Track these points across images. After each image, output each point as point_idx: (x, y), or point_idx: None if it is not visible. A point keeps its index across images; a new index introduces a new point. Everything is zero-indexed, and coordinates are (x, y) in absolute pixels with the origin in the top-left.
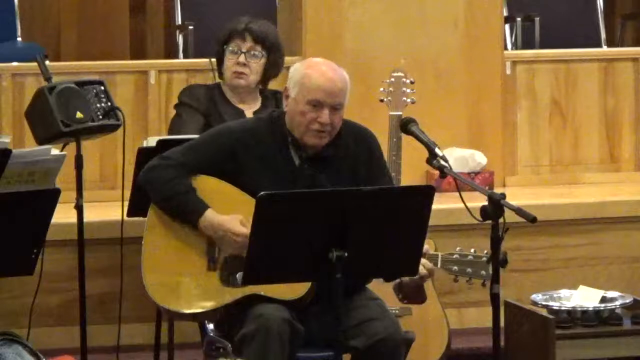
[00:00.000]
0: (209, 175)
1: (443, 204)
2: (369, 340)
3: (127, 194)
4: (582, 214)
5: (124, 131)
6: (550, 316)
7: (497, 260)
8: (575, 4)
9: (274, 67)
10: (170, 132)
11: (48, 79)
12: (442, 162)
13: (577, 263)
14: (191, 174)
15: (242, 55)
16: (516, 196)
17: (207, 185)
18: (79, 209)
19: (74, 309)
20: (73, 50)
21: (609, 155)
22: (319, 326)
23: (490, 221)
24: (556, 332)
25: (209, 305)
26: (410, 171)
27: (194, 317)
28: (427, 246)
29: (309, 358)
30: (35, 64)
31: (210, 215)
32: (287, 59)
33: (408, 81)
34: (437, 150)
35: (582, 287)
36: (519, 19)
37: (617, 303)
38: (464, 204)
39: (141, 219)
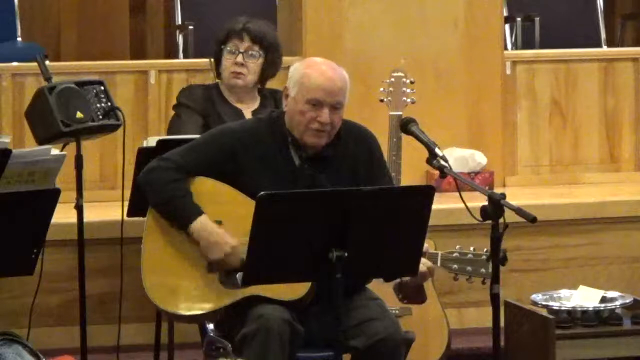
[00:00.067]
0: (208, 176)
1: (443, 204)
2: (369, 340)
3: (127, 194)
4: (582, 214)
5: (124, 131)
6: (550, 316)
7: (497, 260)
8: (575, 4)
9: (271, 66)
10: (169, 133)
11: (48, 79)
12: (442, 162)
13: (577, 263)
14: (190, 176)
15: (240, 55)
16: (516, 196)
17: (205, 187)
18: (79, 209)
19: (74, 309)
20: (73, 50)
21: (609, 155)
22: (319, 326)
23: (490, 221)
24: (556, 332)
25: (208, 307)
26: (410, 171)
27: (194, 319)
28: (427, 245)
29: (309, 358)
30: (35, 64)
31: (204, 220)
32: (287, 59)
33: (408, 81)
34: (437, 150)
35: (582, 287)
36: (519, 19)
37: (617, 303)
38: (464, 204)
39: (141, 219)
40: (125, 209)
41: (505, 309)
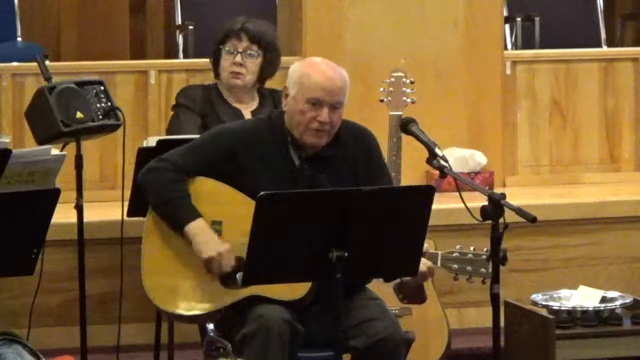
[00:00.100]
0: (208, 176)
1: (443, 204)
2: (369, 340)
3: (127, 194)
4: (582, 214)
5: (124, 131)
6: (550, 316)
7: (497, 260)
8: (575, 4)
9: (270, 66)
10: (168, 133)
11: (48, 79)
12: (442, 162)
13: (577, 263)
14: (190, 176)
15: (239, 55)
16: (516, 196)
17: (205, 187)
18: (79, 209)
19: (74, 309)
20: (73, 50)
21: (609, 155)
22: (319, 326)
23: (490, 221)
24: (556, 332)
25: (208, 307)
26: (410, 171)
27: (194, 319)
28: (427, 245)
29: (309, 358)
30: (35, 64)
31: (200, 223)
32: (287, 59)
33: (408, 81)
34: (437, 150)
35: (582, 287)
36: (519, 19)
37: (617, 303)
38: (464, 204)
39: (141, 219)
40: (125, 209)
41: (505, 309)
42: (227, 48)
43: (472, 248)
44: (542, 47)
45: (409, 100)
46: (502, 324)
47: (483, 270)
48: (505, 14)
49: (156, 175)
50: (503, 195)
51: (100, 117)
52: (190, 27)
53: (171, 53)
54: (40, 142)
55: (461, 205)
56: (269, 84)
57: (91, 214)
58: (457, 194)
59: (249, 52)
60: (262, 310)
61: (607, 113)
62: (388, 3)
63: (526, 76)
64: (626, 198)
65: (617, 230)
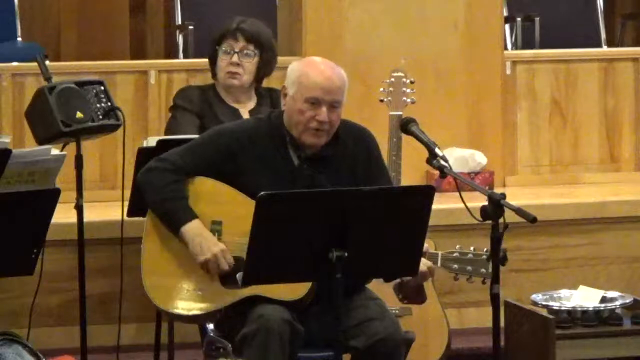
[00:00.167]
0: (207, 176)
1: (443, 204)
2: (369, 340)
3: (127, 194)
4: (582, 214)
5: (124, 131)
6: (550, 316)
7: (497, 260)
8: (575, 4)
9: (267, 65)
10: (166, 135)
11: (48, 79)
12: (442, 162)
13: (577, 263)
14: (189, 176)
15: (235, 55)
16: (516, 196)
17: (205, 187)
18: (79, 209)
19: (74, 309)
20: (73, 50)
21: (609, 155)
22: (319, 326)
23: (490, 221)
24: (556, 332)
25: (208, 307)
26: (410, 171)
27: (194, 319)
28: (427, 245)
29: (309, 358)
30: (35, 64)
31: (196, 224)
32: (287, 59)
33: (408, 81)
34: (437, 150)
35: (582, 287)
36: (519, 19)
37: (617, 303)
38: (464, 204)
39: (141, 219)
40: (125, 209)
41: (505, 309)
42: (223, 48)
43: (472, 248)
44: (542, 47)
45: (409, 100)
46: (502, 324)
47: (483, 270)
48: (505, 14)
49: (155, 175)
50: (503, 195)
51: (100, 117)
52: (190, 27)
53: (171, 53)
54: (40, 142)
55: (461, 205)
56: (269, 83)
57: (91, 214)
58: (457, 194)
59: (245, 51)
60: (262, 310)
61: (607, 113)
62: (388, 3)
63: (526, 76)
64: (626, 198)
65: (617, 230)
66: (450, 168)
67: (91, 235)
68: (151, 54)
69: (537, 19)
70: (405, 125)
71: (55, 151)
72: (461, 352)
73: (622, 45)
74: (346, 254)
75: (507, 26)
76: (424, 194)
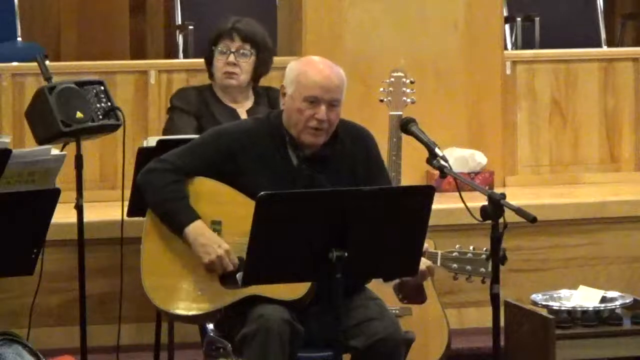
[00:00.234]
0: (207, 177)
1: (443, 204)
2: (369, 340)
3: (127, 194)
4: (582, 214)
5: (124, 131)
6: (550, 316)
7: (497, 260)
8: (575, 4)
9: (263, 64)
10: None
11: (48, 79)
12: (442, 162)
13: (577, 263)
14: (188, 177)
15: (232, 55)
16: (516, 196)
17: (204, 187)
18: (79, 209)
19: (74, 309)
20: (73, 50)
21: (609, 155)
22: (319, 326)
23: (490, 221)
24: (556, 332)
25: (208, 307)
26: (410, 171)
27: (194, 319)
28: (427, 244)
29: (309, 358)
30: (35, 64)
31: (199, 224)
32: (287, 59)
33: (408, 81)
34: (437, 150)
35: (582, 287)
36: (519, 19)
37: (617, 303)
38: (464, 204)
39: (141, 219)
40: (125, 209)
41: (505, 309)
42: (219, 49)
43: (471, 247)
44: (542, 47)
45: (409, 100)
46: (502, 324)
47: (483, 269)
48: (505, 14)
49: (155, 176)
50: (503, 195)
51: (100, 117)
52: (190, 27)
53: (171, 53)
54: (40, 142)
55: (461, 205)
56: (269, 83)
57: (91, 214)
58: (457, 194)
59: (241, 51)
60: (262, 310)
61: (607, 113)
62: (388, 3)
63: (526, 76)
64: (626, 198)
65: (617, 230)
66: (450, 168)
67: (91, 235)
68: (151, 54)
69: (537, 19)
70: (405, 125)
71: (55, 151)
72: (461, 352)
73: (622, 45)
74: (346, 254)
75: (507, 26)
76: (424, 194)
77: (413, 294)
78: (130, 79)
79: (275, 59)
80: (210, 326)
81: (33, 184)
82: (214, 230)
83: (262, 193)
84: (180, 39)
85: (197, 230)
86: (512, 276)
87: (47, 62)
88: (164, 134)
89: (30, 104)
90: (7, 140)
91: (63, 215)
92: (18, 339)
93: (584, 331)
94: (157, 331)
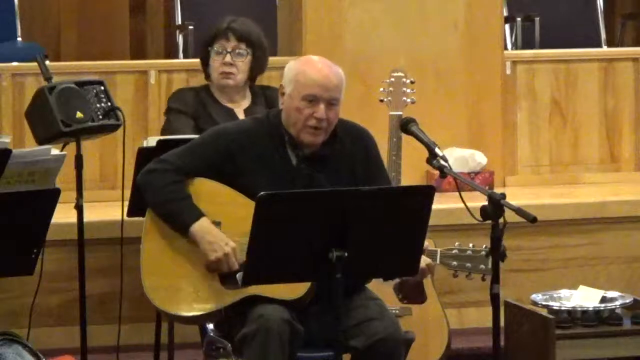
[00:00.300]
0: (206, 177)
1: (443, 204)
2: (369, 340)
3: (127, 194)
4: (582, 214)
5: (124, 131)
6: (550, 316)
7: (497, 259)
8: (575, 4)
9: (259, 63)
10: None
11: (48, 79)
12: (442, 162)
13: (577, 263)
14: (188, 177)
15: (228, 55)
16: (516, 196)
17: (204, 188)
18: (79, 209)
19: (74, 309)
20: (73, 50)
21: (609, 155)
22: (319, 326)
23: (490, 221)
24: (556, 332)
25: (208, 307)
26: (410, 171)
27: (194, 320)
28: (427, 243)
29: (309, 358)
30: (35, 64)
31: (204, 222)
32: (287, 59)
33: (408, 81)
34: (437, 150)
35: (582, 287)
36: (519, 19)
37: (617, 303)
38: (464, 204)
39: (141, 219)
40: (125, 209)
41: (505, 309)
42: (215, 49)
43: (471, 245)
44: (542, 47)
45: (409, 100)
46: (502, 324)
47: (482, 266)
48: (505, 14)
49: (156, 176)
50: (503, 195)
51: (100, 117)
52: (190, 27)
53: (171, 53)
54: (40, 142)
55: (461, 205)
56: (269, 83)
57: (91, 214)
58: (457, 194)
59: (237, 51)
60: (262, 310)
61: (607, 113)
62: (388, 3)
63: (526, 76)
64: (626, 198)
65: (617, 230)
66: (450, 168)
67: (91, 235)
68: (151, 54)
69: (537, 19)
70: (405, 125)
71: (55, 151)
72: (461, 352)
73: (622, 45)
74: (346, 254)
75: (507, 26)
76: (424, 194)
77: (413, 294)
78: (130, 79)
79: (276, 59)
80: (210, 326)
81: (33, 184)
82: None
83: (262, 193)
84: (180, 39)
85: (203, 228)
86: (512, 276)
87: (47, 62)
88: (161, 135)
89: (30, 104)
90: (7, 140)
91: (63, 215)
92: (18, 339)
93: (584, 331)
94: (157, 331)
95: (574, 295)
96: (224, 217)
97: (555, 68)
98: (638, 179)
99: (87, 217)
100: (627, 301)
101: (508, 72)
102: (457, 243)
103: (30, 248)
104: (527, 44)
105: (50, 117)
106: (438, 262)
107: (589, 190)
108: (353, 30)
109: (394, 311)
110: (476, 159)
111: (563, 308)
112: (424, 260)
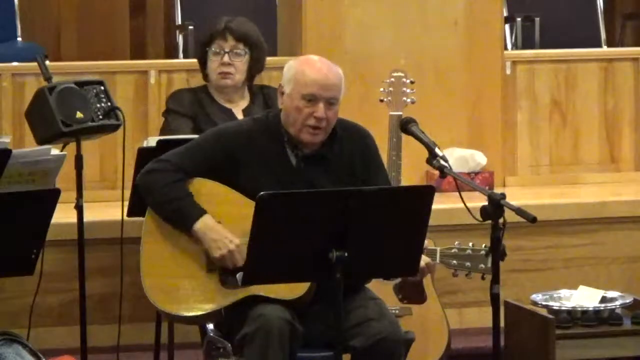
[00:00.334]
0: (206, 177)
1: (443, 204)
2: (369, 340)
3: (127, 194)
4: (582, 214)
5: (124, 131)
6: (550, 316)
7: (497, 259)
8: (575, 4)
9: (257, 63)
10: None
11: (48, 79)
12: (442, 162)
13: (577, 263)
14: (188, 177)
15: (226, 55)
16: (516, 196)
17: (204, 188)
18: (79, 209)
19: (74, 309)
20: (73, 50)
21: (609, 155)
22: (319, 326)
23: (490, 221)
24: (556, 332)
25: (209, 307)
26: (410, 171)
27: (194, 320)
28: (426, 242)
29: (309, 358)
30: (35, 64)
31: (207, 220)
32: (286, 59)
33: (408, 81)
34: (437, 150)
35: (582, 287)
36: (519, 19)
37: (617, 303)
38: (464, 204)
39: (141, 219)
40: (125, 209)
41: (505, 309)
42: (213, 49)
43: (470, 244)
44: (542, 47)
45: (409, 100)
46: (502, 324)
47: (482, 265)
48: (505, 14)
49: (156, 176)
50: (503, 195)
51: (100, 117)
52: (190, 27)
53: (171, 53)
54: (40, 142)
55: (461, 205)
56: (269, 83)
57: (91, 214)
58: (457, 194)
59: (235, 51)
60: (262, 310)
61: (607, 113)
62: (388, 3)
63: (526, 76)
64: (626, 198)
65: (617, 230)
66: (450, 168)
67: (91, 235)
68: (151, 54)
69: (537, 19)
70: (405, 125)
71: (55, 151)
72: (461, 352)
73: (622, 45)
74: (346, 254)
75: (507, 26)
76: (424, 194)
77: (413, 294)
78: (130, 79)
79: (276, 59)
80: (210, 326)
81: (33, 184)
82: None
83: (262, 193)
84: (180, 39)
85: (207, 225)
86: (512, 276)
87: (47, 62)
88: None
89: (30, 104)
90: (7, 140)
91: (63, 215)
92: (18, 338)
93: (584, 331)
94: (157, 331)
95: (574, 295)
96: (224, 217)
97: (555, 68)
98: (638, 179)
99: (87, 217)
100: (627, 301)
101: (508, 72)
102: (456, 242)
103: (30, 248)
104: (527, 44)
105: (50, 117)
106: (438, 261)
107: (589, 190)
108: (353, 30)
109: (394, 311)
110: (476, 159)
111: (563, 308)
112: (424, 260)
